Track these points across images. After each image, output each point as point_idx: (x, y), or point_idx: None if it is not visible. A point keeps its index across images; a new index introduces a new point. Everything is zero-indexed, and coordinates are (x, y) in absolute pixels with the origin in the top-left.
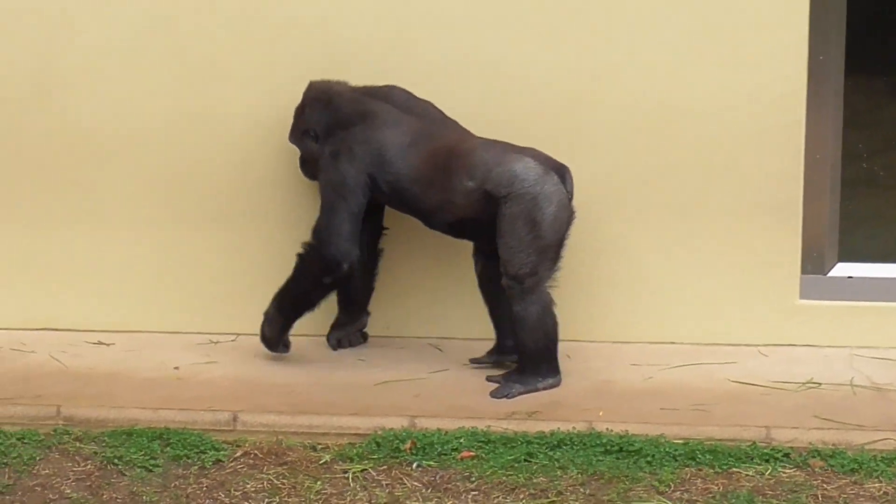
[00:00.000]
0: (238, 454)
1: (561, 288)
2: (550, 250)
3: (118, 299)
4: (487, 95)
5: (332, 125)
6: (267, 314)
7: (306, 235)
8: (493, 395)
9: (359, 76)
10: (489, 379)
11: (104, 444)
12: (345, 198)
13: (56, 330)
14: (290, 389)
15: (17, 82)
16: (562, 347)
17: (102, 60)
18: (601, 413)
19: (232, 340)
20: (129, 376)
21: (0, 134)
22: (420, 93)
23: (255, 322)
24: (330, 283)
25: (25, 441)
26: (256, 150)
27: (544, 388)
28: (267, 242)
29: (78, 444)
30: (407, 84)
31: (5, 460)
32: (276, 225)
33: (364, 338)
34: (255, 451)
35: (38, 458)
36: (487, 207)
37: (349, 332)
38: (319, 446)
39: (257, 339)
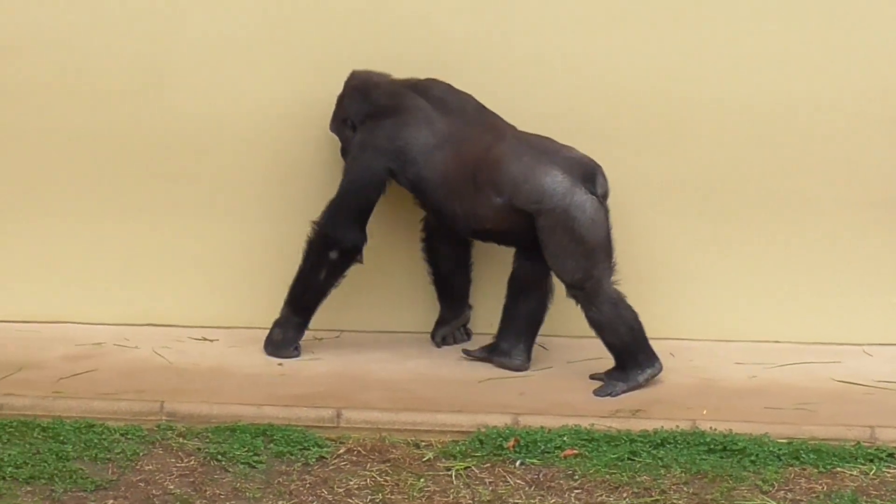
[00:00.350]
0: (341, 451)
1: (664, 285)
2: (598, 251)
3: (223, 295)
4: (580, 93)
5: (366, 115)
6: (278, 320)
7: None
8: (597, 393)
9: (459, 72)
10: (592, 377)
11: (207, 440)
12: (359, 188)
13: (160, 325)
14: (394, 386)
15: (128, 76)
16: (665, 345)
17: (213, 54)
18: (705, 412)
19: (336, 337)
20: (232, 372)
21: (111, 127)
22: (513, 91)
23: (357, 319)
24: (337, 259)
25: (129, 436)
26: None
27: (646, 380)
28: (375, 241)
29: (181, 440)
30: (499, 81)
31: (109, 456)
32: (381, 223)
33: (468, 334)
34: (359, 448)
35: (141, 454)
36: (519, 220)
37: (453, 327)
38: (423, 443)
39: (362, 335)
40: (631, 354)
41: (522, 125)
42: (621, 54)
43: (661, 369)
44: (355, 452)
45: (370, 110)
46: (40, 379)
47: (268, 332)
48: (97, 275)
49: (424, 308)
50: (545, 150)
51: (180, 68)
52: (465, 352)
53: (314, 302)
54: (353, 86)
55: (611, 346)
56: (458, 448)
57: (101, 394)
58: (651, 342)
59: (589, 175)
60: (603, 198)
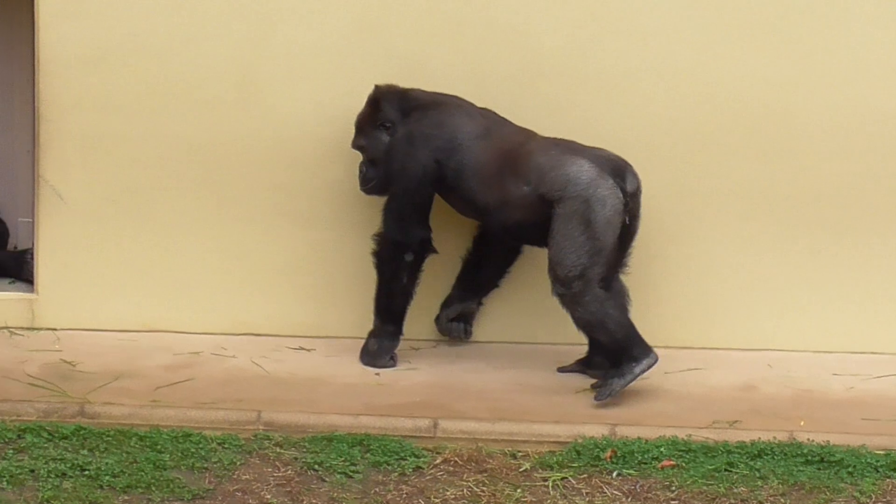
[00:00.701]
0: (438, 461)
1: (762, 296)
2: (603, 253)
3: (320, 304)
4: (683, 103)
5: (407, 110)
6: (372, 331)
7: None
8: (598, 398)
9: (554, 82)
10: (593, 386)
11: (304, 450)
12: (415, 186)
13: (257, 335)
14: (490, 396)
15: (222, 84)
16: (763, 357)
17: (306, 62)
18: (802, 423)
19: (433, 347)
20: (329, 382)
21: (209, 137)
22: (614, 100)
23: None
24: (413, 261)
25: (226, 446)
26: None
27: (642, 371)
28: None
29: (278, 450)
30: (601, 90)
31: (206, 465)
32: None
33: (467, 332)
34: (455, 458)
35: (238, 463)
36: (542, 210)
37: (455, 311)
38: (519, 454)
39: (458, 346)
40: (625, 350)
41: (622, 136)
42: (724, 66)
43: (656, 359)
44: (452, 463)
45: (413, 105)
46: (138, 388)
47: (363, 342)
48: (196, 284)
49: (523, 318)
50: (574, 147)
51: (275, 78)
52: (561, 369)
53: (402, 307)
54: (386, 90)
55: (604, 347)
56: (554, 458)
57: (199, 403)
58: (748, 353)
59: (618, 170)
60: (633, 195)
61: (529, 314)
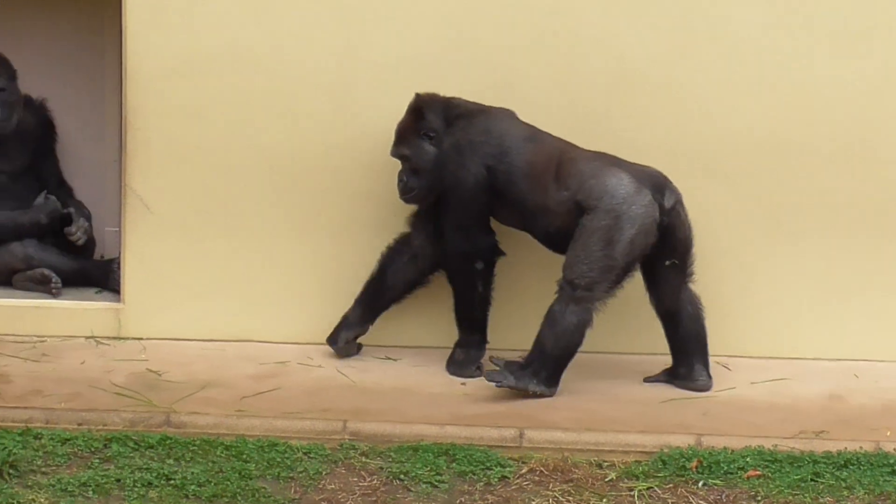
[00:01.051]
0: (524, 471)
1: (851, 306)
2: (614, 272)
3: (406, 314)
4: (772, 113)
5: (452, 118)
6: (458, 341)
7: None
8: (487, 377)
9: (643, 93)
10: (492, 359)
11: (390, 460)
12: (470, 195)
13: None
14: (577, 406)
15: (312, 94)
16: (849, 367)
17: (398, 73)
18: (889, 433)
19: (518, 358)
20: (415, 392)
21: (295, 144)
22: (703, 110)
23: (533, 338)
24: (484, 268)
25: (312, 455)
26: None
27: (533, 393)
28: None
29: (364, 459)
30: (690, 100)
31: (292, 474)
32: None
33: (358, 348)
34: (541, 468)
35: (324, 473)
36: (577, 220)
37: (356, 334)
38: (605, 463)
39: None
40: (541, 364)
41: (711, 146)
42: (814, 75)
43: (551, 395)
44: (538, 472)
45: (459, 113)
46: (224, 397)
47: (450, 352)
48: (282, 294)
49: (608, 329)
50: (616, 160)
51: (367, 88)
52: (647, 378)
53: (483, 315)
54: (428, 100)
55: (539, 344)
56: (640, 468)
57: (285, 412)
58: (835, 363)
59: (658, 186)
60: (671, 210)
61: (614, 325)
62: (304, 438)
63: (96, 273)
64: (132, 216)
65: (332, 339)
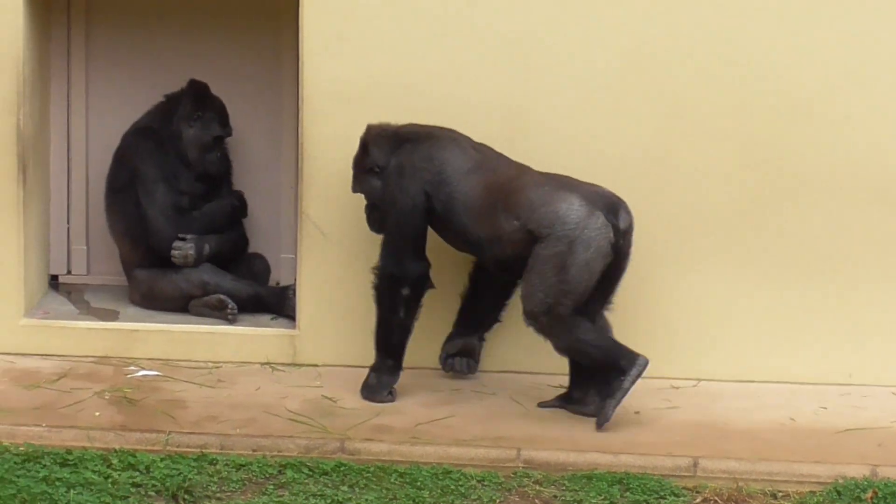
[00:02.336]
0: (698, 500)
1: None
2: (570, 297)
3: None
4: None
5: (401, 143)
6: (372, 365)
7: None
8: (599, 426)
9: (814, 122)
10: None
11: (564, 488)
12: (407, 218)
13: (517, 372)
14: (751, 435)
15: (487, 120)
16: None
17: (574, 100)
18: None
19: (693, 386)
20: (589, 420)
21: None
22: (880, 140)
23: (718, 368)
24: (410, 294)
25: (486, 483)
26: (716, 189)
27: (633, 382)
28: (738, 289)
29: (538, 487)
30: (865, 130)
31: (466, 502)
32: (755, 270)
33: (470, 367)
34: (715, 498)
35: (498, 501)
36: (531, 246)
37: (456, 346)
38: (780, 493)
39: (721, 384)
40: (610, 367)
41: (888, 174)
42: None
43: (645, 363)
44: (712, 502)
45: (407, 138)
46: (398, 424)
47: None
48: (450, 323)
49: (784, 357)
50: (569, 183)
51: (542, 115)
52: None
53: (401, 341)
54: (375, 133)
55: (588, 369)
56: (815, 499)
57: (458, 440)
58: None
59: (612, 206)
60: (625, 233)
61: (792, 355)
62: (477, 466)
63: (271, 299)
64: (308, 243)
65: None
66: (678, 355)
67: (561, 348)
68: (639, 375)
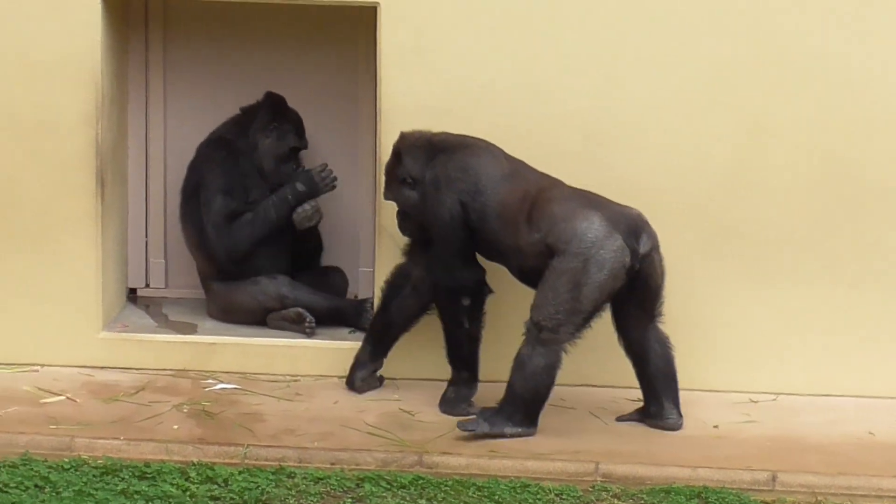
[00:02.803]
0: None
1: None
2: (580, 315)
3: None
4: None
5: (436, 153)
6: (450, 379)
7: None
8: (459, 425)
9: None
10: (467, 408)
11: (642, 502)
12: (451, 229)
13: (595, 386)
14: (831, 449)
15: (567, 136)
16: None
17: (652, 115)
18: None
19: (772, 400)
20: (667, 434)
21: None
22: None
23: (796, 382)
24: (470, 304)
25: (564, 497)
26: (798, 204)
27: (512, 436)
28: (818, 302)
29: (616, 501)
30: None
31: None
32: (834, 284)
33: (380, 381)
34: None
35: None
36: (550, 260)
37: (370, 371)
38: None
39: (798, 398)
40: (515, 408)
41: None
42: None
43: (532, 435)
44: None
45: (441, 148)
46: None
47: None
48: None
49: (862, 371)
50: (596, 201)
51: (623, 131)
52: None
53: (472, 352)
54: (409, 143)
55: (510, 388)
56: None
57: (537, 454)
58: None
59: (633, 229)
60: (646, 256)
61: (869, 366)
62: (556, 480)
63: (349, 312)
64: (385, 256)
65: (350, 382)
66: (757, 369)
67: (522, 361)
68: (520, 436)
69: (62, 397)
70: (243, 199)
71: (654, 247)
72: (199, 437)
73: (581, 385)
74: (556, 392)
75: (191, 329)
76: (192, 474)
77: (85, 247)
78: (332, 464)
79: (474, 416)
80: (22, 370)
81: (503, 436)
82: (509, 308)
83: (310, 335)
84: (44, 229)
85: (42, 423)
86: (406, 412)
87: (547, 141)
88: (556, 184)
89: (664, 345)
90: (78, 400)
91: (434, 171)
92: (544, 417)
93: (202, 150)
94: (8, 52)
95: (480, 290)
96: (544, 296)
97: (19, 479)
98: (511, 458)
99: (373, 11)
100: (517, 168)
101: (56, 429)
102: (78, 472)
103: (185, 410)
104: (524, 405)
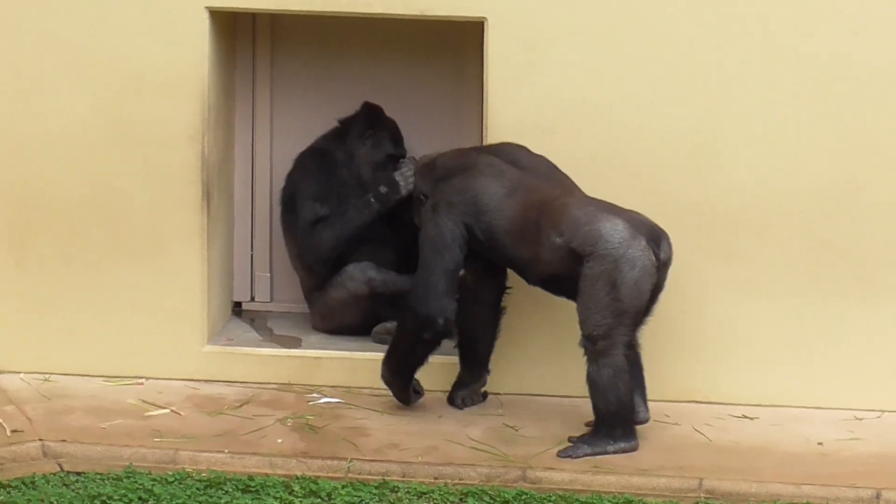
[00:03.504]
0: None
1: None
2: (627, 315)
3: (763, 373)
4: None
5: (435, 181)
6: (383, 377)
7: None
8: (560, 454)
9: None
10: (569, 439)
11: None
12: (441, 253)
13: (700, 402)
14: None
15: (674, 152)
16: None
17: (759, 129)
18: None
19: (877, 417)
20: (772, 450)
21: (654, 201)
22: None
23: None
24: (430, 339)
25: None
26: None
27: (615, 452)
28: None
29: None
30: None
31: None
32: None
33: (484, 396)
34: None
35: None
36: (574, 265)
37: (471, 391)
38: None
39: None
40: (609, 425)
41: None
42: None
43: (636, 448)
44: None
45: (439, 175)
46: None
47: None
48: (651, 351)
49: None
50: (613, 208)
51: (730, 146)
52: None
53: (410, 373)
54: (420, 166)
55: (596, 409)
56: None
57: (640, 469)
58: None
59: (654, 235)
60: (664, 264)
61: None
62: (659, 496)
63: None
64: None
65: (450, 400)
66: (861, 386)
67: (594, 380)
68: (622, 452)
69: (167, 410)
70: (336, 207)
71: (670, 258)
72: (302, 450)
73: (685, 401)
74: (661, 408)
75: (295, 343)
76: (296, 488)
77: (191, 260)
78: (436, 478)
79: (572, 444)
80: (127, 383)
81: (605, 453)
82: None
83: None
84: (151, 243)
85: (146, 436)
86: (510, 427)
87: (652, 156)
88: (570, 191)
89: (635, 349)
90: (182, 413)
91: (433, 199)
92: (649, 433)
93: (298, 160)
94: (118, 67)
95: (446, 332)
96: (586, 306)
97: (123, 491)
98: (615, 473)
99: (480, 26)
100: (524, 180)
101: (160, 442)
102: (182, 485)
103: (289, 424)
104: (616, 419)
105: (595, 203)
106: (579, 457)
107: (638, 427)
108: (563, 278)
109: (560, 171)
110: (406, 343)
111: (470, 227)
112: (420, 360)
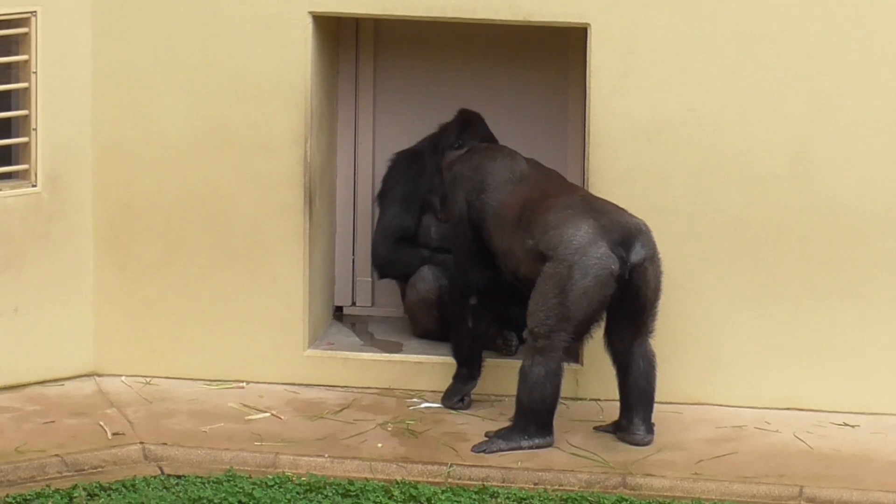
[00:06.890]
0: None
1: None
2: (570, 322)
3: (866, 380)
4: None
5: (461, 160)
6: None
7: None
8: (474, 449)
9: None
10: (486, 434)
11: None
12: (456, 226)
13: (801, 410)
14: None
15: (775, 160)
16: None
17: (860, 137)
18: None
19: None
20: (873, 459)
21: (755, 210)
22: None
23: None
24: (477, 303)
25: None
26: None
27: (529, 448)
28: None
29: None
30: None
31: None
32: None
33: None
34: None
35: None
36: (541, 267)
37: (470, 388)
38: None
39: None
40: (526, 420)
41: None
42: None
43: (551, 443)
44: None
45: (467, 151)
46: (680, 460)
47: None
48: (738, 358)
49: None
50: (596, 208)
51: (832, 155)
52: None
53: (474, 350)
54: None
55: (518, 402)
56: None
57: (741, 477)
58: None
59: (626, 237)
60: (638, 264)
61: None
62: (760, 503)
63: None
64: None
65: (461, 400)
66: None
67: (525, 373)
68: (536, 448)
69: (267, 414)
70: (417, 211)
71: (649, 258)
72: (403, 455)
73: (786, 409)
74: (760, 415)
75: (396, 348)
76: (396, 493)
77: (293, 265)
78: (536, 484)
79: (487, 439)
80: (228, 387)
81: (520, 448)
82: None
83: (512, 354)
84: (253, 247)
85: (247, 440)
86: (610, 433)
87: (753, 163)
88: (568, 192)
89: (649, 362)
90: (283, 417)
91: (452, 172)
92: (749, 440)
93: (390, 161)
94: (222, 72)
95: (488, 292)
96: (535, 301)
97: (223, 494)
98: (715, 480)
99: (583, 32)
100: (533, 176)
101: (261, 445)
102: (282, 489)
103: (390, 429)
104: (535, 416)
105: (578, 206)
106: (493, 451)
107: (733, 433)
108: (531, 280)
109: (573, 183)
110: (457, 318)
111: (470, 205)
112: (477, 332)
